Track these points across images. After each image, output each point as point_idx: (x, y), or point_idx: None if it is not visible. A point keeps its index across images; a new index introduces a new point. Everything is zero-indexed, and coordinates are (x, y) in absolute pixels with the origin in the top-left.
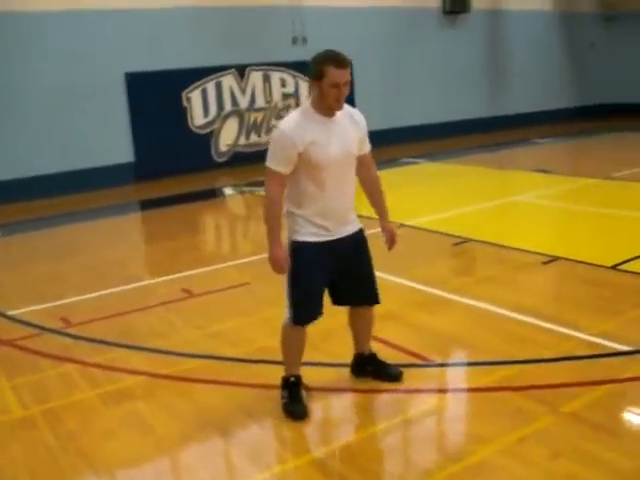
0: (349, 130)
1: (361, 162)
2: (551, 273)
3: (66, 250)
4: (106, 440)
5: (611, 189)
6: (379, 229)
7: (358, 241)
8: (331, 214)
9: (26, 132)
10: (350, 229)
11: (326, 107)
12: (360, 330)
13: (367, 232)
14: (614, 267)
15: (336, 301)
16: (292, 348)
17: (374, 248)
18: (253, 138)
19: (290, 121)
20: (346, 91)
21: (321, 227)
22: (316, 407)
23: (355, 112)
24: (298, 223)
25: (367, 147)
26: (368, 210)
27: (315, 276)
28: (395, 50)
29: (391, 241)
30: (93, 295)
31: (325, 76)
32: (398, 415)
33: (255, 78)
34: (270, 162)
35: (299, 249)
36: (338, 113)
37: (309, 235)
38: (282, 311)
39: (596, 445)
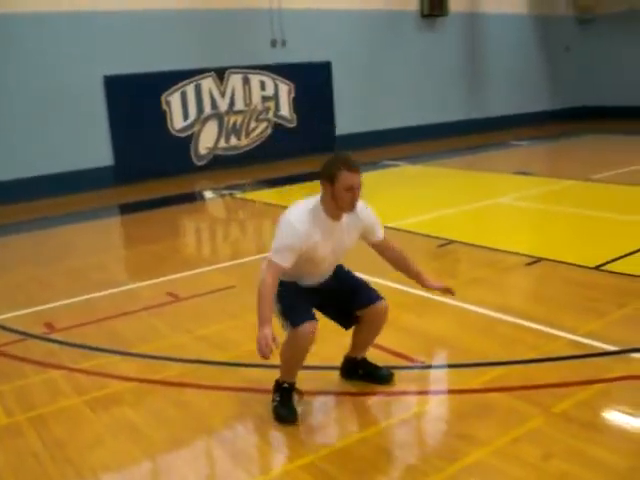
0: (348, 238)
1: (379, 247)
2: (535, 274)
3: (48, 254)
4: (95, 447)
5: (591, 191)
6: None
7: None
8: (314, 281)
9: (4, 135)
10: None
11: (338, 209)
12: (366, 338)
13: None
14: (597, 268)
15: (346, 321)
16: (294, 356)
17: (357, 251)
18: (233, 141)
19: (301, 220)
20: (359, 194)
21: (302, 282)
22: (307, 410)
23: (360, 210)
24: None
25: (379, 234)
26: None
27: (300, 295)
28: (374, 53)
29: (447, 288)
30: (77, 300)
31: (338, 180)
32: (390, 417)
33: (235, 81)
34: (276, 257)
35: (281, 284)
36: (345, 215)
37: (286, 279)
38: None
39: (588, 444)
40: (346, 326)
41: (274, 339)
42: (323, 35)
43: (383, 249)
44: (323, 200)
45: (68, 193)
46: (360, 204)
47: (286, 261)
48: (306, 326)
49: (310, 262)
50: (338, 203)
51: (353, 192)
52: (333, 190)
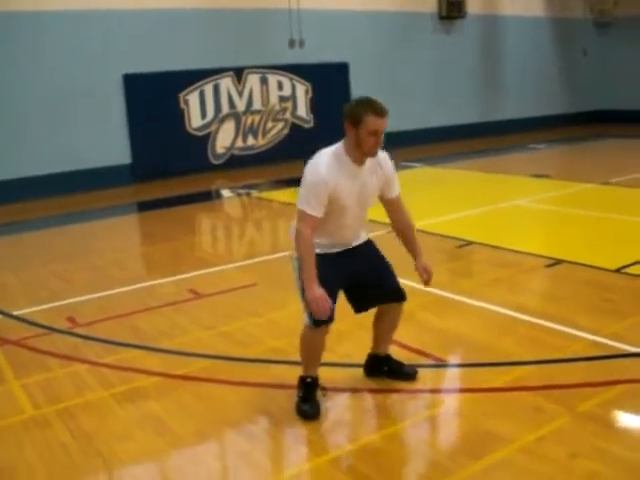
0: (370, 184)
1: (390, 206)
2: (555, 276)
3: (67, 251)
4: (123, 440)
5: (609, 194)
6: (386, 231)
7: (367, 245)
8: (344, 242)
9: (25, 133)
10: (360, 241)
11: (361, 154)
12: (384, 331)
13: (375, 234)
14: (618, 270)
15: (361, 306)
16: (311, 350)
17: (383, 251)
18: (250, 141)
19: (324, 164)
20: (382, 139)
21: (333, 248)
22: (333, 407)
23: (383, 158)
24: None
25: (395, 191)
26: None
27: (326, 281)
28: (391, 54)
29: (428, 278)
30: (98, 295)
31: (363, 123)
32: (415, 414)
33: (252, 81)
34: (304, 206)
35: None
36: (367, 161)
37: (319, 250)
38: (289, 312)
39: (614, 444)
40: (358, 310)
41: (327, 299)
42: (341, 36)
43: (395, 209)
44: (346, 144)
45: (86, 190)
46: (382, 153)
47: (316, 209)
48: (323, 329)
49: (336, 213)
50: (361, 147)
51: (377, 136)
52: (357, 133)
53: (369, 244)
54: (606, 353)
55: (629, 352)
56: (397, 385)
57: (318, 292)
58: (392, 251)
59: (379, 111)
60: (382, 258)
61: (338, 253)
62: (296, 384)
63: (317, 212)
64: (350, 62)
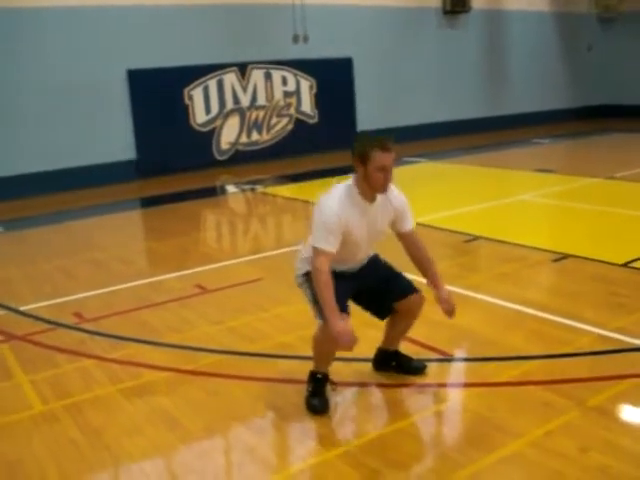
0: (380, 220)
1: (404, 240)
2: (562, 270)
3: (72, 246)
4: (132, 435)
5: (614, 189)
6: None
7: (372, 260)
8: (350, 268)
9: (28, 130)
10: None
11: (371, 190)
12: (398, 332)
13: None
14: (625, 265)
15: (381, 310)
16: (324, 350)
17: (387, 248)
18: (254, 136)
19: (336, 200)
20: (392, 174)
21: (339, 269)
22: (342, 401)
23: (393, 194)
24: None
25: (408, 225)
26: None
27: (336, 285)
28: (396, 49)
29: (451, 311)
30: (105, 291)
31: (370, 160)
32: (424, 408)
33: (257, 76)
34: (320, 242)
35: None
36: (378, 197)
37: None
38: (296, 307)
39: (625, 438)
40: (381, 317)
41: (352, 331)
42: (345, 31)
43: (410, 243)
44: (356, 181)
45: (91, 186)
46: (394, 188)
47: (331, 245)
48: None
49: (346, 246)
50: (370, 183)
51: (385, 172)
52: (366, 170)
53: (374, 258)
54: (614, 347)
55: (637, 346)
56: (406, 379)
57: (341, 326)
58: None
59: (385, 146)
60: (386, 264)
61: (343, 272)
62: (304, 379)
63: (333, 248)
64: (354, 57)
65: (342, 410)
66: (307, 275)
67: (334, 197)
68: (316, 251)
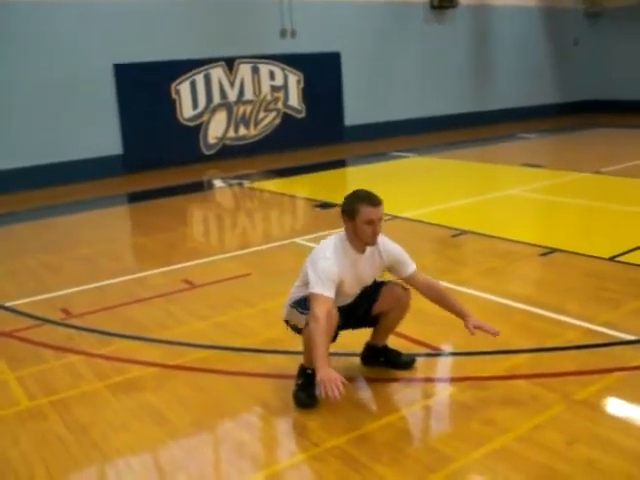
0: (368, 271)
1: (412, 283)
2: (550, 264)
3: (57, 242)
4: (119, 431)
5: (601, 183)
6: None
7: None
8: (341, 304)
9: (13, 123)
10: None
11: (361, 243)
12: (387, 327)
13: None
14: (612, 259)
15: (369, 321)
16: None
17: None
18: (242, 131)
19: (332, 249)
20: (380, 227)
21: None
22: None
23: (384, 246)
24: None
25: (407, 270)
26: None
27: None
28: (383, 44)
29: (491, 329)
30: (91, 286)
31: (359, 214)
32: (413, 403)
33: (244, 70)
34: (319, 289)
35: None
36: (368, 249)
37: None
38: (284, 302)
39: (612, 431)
40: (371, 324)
41: (341, 379)
42: (333, 26)
43: (418, 285)
44: (347, 234)
45: (77, 181)
46: (384, 239)
47: (330, 291)
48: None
49: (337, 293)
50: (360, 236)
51: (374, 225)
52: (354, 225)
53: None
54: (601, 341)
55: (624, 340)
56: (394, 374)
57: (330, 373)
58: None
59: (373, 201)
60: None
61: None
62: (293, 374)
63: (332, 293)
64: (342, 52)
65: (331, 405)
66: (296, 302)
67: (330, 248)
68: (316, 297)
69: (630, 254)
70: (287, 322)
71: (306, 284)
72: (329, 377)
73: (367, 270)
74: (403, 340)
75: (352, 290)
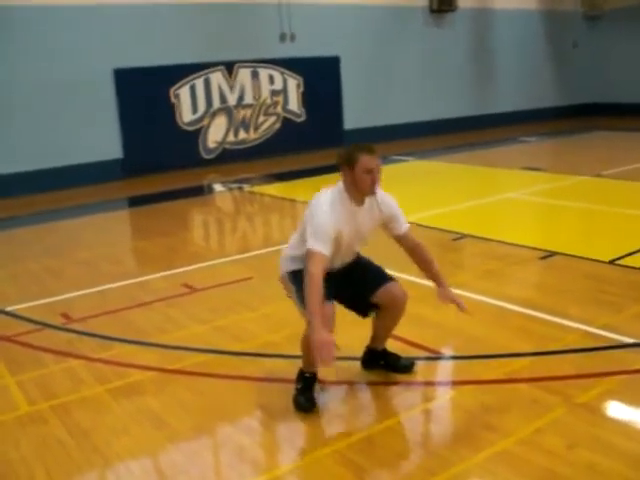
0: (366, 224)
1: (402, 243)
2: (550, 268)
3: (58, 246)
4: (120, 435)
5: (602, 187)
6: None
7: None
8: (332, 268)
9: (13, 128)
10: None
11: (360, 193)
12: (384, 328)
13: None
14: (611, 262)
15: (361, 306)
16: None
17: (373, 245)
18: (241, 135)
19: (328, 203)
20: (379, 177)
21: None
22: (330, 399)
23: (382, 199)
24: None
25: (401, 227)
26: None
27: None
28: (383, 48)
29: (461, 305)
30: (92, 291)
31: (358, 163)
32: (414, 407)
33: (243, 75)
34: (315, 244)
35: (300, 272)
36: (366, 201)
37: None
38: (284, 306)
39: (613, 435)
40: (362, 314)
41: (334, 343)
42: (332, 30)
43: (408, 246)
44: (345, 185)
45: (77, 186)
46: (381, 192)
47: (326, 247)
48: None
49: (335, 249)
50: (359, 186)
51: (372, 174)
52: (353, 174)
53: (357, 256)
54: (601, 344)
55: (624, 343)
56: (394, 378)
57: (324, 336)
58: (388, 247)
59: (371, 150)
60: (367, 261)
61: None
62: (293, 378)
63: (327, 250)
64: (341, 56)
65: (330, 408)
66: (293, 273)
67: (327, 201)
68: (312, 254)
69: (630, 257)
70: (281, 281)
71: (304, 241)
72: (323, 340)
73: (366, 222)
74: (402, 344)
75: (351, 243)
